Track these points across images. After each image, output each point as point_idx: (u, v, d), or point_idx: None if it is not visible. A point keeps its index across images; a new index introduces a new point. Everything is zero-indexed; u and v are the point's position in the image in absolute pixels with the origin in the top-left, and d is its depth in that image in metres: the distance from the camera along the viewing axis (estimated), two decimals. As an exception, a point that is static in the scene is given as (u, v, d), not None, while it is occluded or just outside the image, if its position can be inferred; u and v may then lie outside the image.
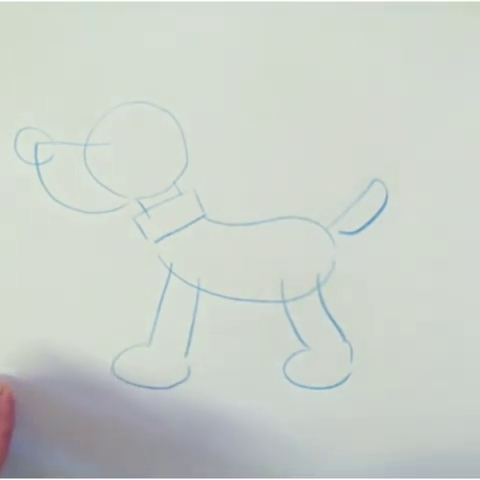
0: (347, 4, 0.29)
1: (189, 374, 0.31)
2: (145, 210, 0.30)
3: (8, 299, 0.31)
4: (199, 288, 0.30)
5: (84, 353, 0.31)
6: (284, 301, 0.30)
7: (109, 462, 0.32)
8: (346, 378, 0.30)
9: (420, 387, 0.30)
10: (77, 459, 0.32)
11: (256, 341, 0.31)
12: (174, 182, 0.30)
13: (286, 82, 0.29)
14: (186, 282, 0.30)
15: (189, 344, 0.31)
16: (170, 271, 0.30)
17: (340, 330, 0.30)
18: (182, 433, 0.31)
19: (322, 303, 0.30)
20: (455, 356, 0.30)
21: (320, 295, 0.30)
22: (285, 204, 0.30)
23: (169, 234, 0.30)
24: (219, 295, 0.30)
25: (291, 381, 0.31)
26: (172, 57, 0.30)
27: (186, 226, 0.30)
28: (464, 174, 0.30)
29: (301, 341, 0.30)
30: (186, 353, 0.31)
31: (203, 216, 0.30)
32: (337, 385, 0.31)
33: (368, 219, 0.30)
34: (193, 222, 0.30)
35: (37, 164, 0.30)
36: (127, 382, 0.31)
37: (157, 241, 0.30)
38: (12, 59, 0.30)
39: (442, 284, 0.30)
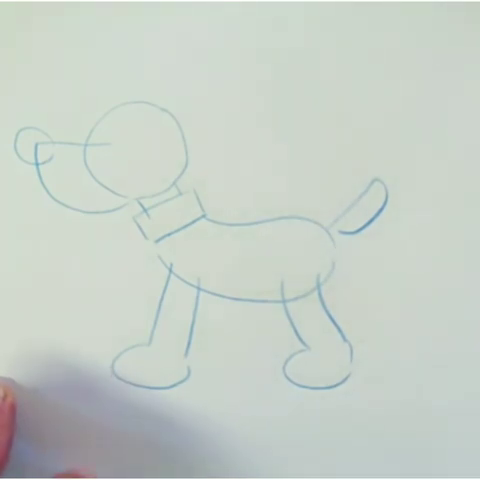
0: (347, 4, 0.29)
1: (189, 374, 0.31)
2: (145, 210, 0.30)
3: (7, 299, 0.31)
4: (199, 288, 0.30)
5: (84, 353, 0.31)
6: (284, 301, 0.30)
7: (109, 462, 0.32)
8: (346, 378, 0.30)
9: (421, 387, 0.30)
10: (77, 460, 0.32)
11: (256, 341, 0.31)
12: (174, 182, 0.30)
13: (286, 82, 0.29)
14: (186, 282, 0.30)
15: (189, 344, 0.31)
16: (170, 271, 0.30)
17: (340, 330, 0.30)
18: (182, 433, 0.31)
19: (322, 303, 0.30)
20: (456, 356, 0.30)
21: (320, 295, 0.30)
22: (285, 204, 0.30)
23: (169, 234, 0.30)
24: (219, 295, 0.30)
25: (291, 381, 0.31)
26: (172, 57, 0.30)
27: (186, 226, 0.30)
28: (465, 174, 0.30)
29: (301, 341, 0.30)
30: (186, 353, 0.31)
31: (203, 216, 0.30)
32: (337, 385, 0.31)
33: (368, 219, 0.30)
34: (193, 222, 0.30)
35: (37, 164, 0.30)
36: (127, 382, 0.31)
37: (157, 241, 0.30)
38: (12, 59, 0.30)
39: (443, 284, 0.30)
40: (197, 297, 0.30)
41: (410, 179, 0.30)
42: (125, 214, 0.30)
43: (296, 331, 0.30)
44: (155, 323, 0.31)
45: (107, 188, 0.30)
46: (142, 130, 0.30)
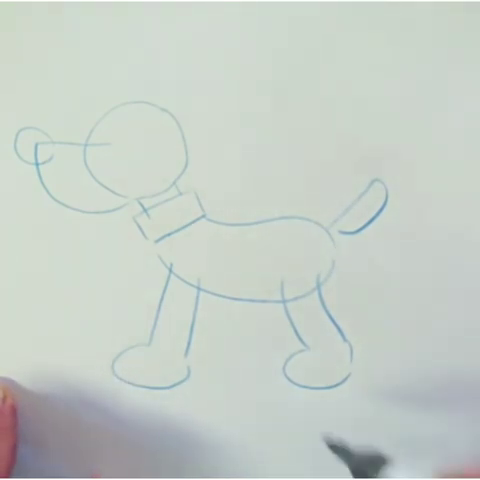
0: (347, 4, 0.29)
1: (189, 374, 0.31)
2: (145, 210, 0.30)
3: (8, 299, 0.31)
4: (199, 288, 0.30)
5: (84, 353, 0.31)
6: (284, 301, 0.30)
7: (110, 461, 0.32)
8: (346, 378, 0.30)
9: (420, 387, 0.30)
10: (77, 460, 0.32)
11: (256, 341, 0.31)
12: (174, 182, 0.30)
13: (286, 82, 0.29)
14: (186, 282, 0.30)
15: (189, 344, 0.31)
16: (170, 271, 0.30)
17: (340, 330, 0.30)
18: (182, 432, 0.31)
19: (322, 303, 0.30)
20: (456, 356, 0.30)
21: (320, 295, 0.30)
22: (285, 204, 0.30)
23: (169, 234, 0.30)
24: (219, 295, 0.30)
25: (291, 381, 0.31)
26: (172, 57, 0.30)
27: (186, 226, 0.30)
28: (464, 174, 0.30)
29: (301, 341, 0.30)
30: (186, 353, 0.31)
31: (203, 216, 0.30)
32: (337, 385, 0.31)
33: (368, 219, 0.30)
34: (193, 222, 0.30)
35: (37, 164, 0.30)
36: (127, 382, 0.31)
37: (157, 241, 0.30)
38: (12, 59, 0.30)
39: (443, 284, 0.30)
40: (197, 297, 0.30)
41: (410, 179, 0.30)
42: (125, 214, 0.30)
43: (296, 331, 0.30)
44: (155, 323, 0.31)
45: (107, 188, 0.30)
46: (142, 130, 0.30)
